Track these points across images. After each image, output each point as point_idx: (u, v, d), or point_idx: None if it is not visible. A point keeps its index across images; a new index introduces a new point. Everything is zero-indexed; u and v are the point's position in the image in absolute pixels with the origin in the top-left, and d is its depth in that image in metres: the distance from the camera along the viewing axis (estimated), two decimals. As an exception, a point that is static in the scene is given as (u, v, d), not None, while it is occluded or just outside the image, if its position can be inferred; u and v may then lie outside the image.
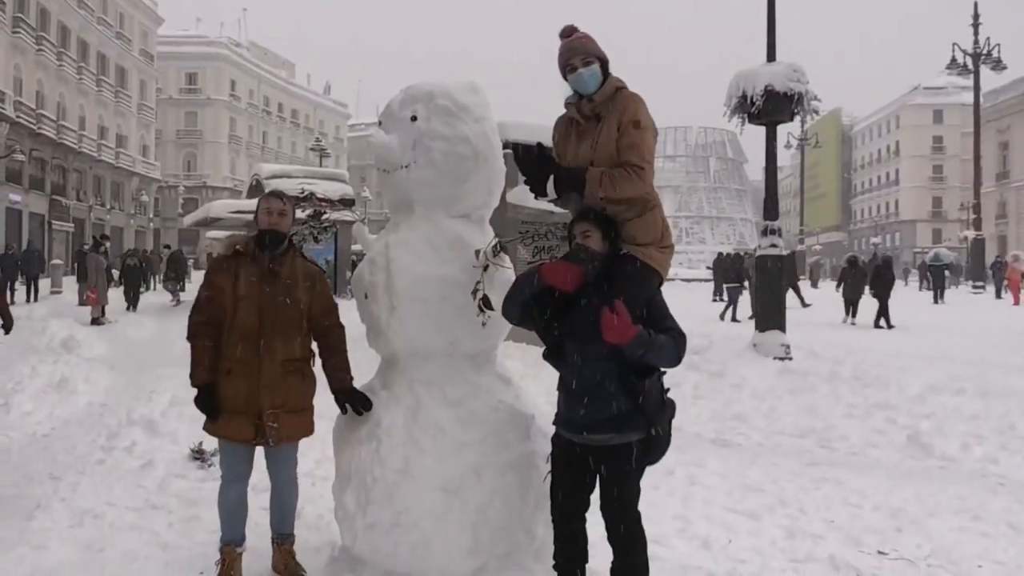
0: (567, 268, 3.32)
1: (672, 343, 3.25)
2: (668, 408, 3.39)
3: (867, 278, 18.64)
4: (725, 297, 20.40)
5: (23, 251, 23.97)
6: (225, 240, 4.20)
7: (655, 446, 3.34)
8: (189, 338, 3.90)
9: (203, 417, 3.89)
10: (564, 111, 3.74)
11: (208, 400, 3.81)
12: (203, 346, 3.83)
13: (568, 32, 3.62)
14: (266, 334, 3.79)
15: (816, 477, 6.18)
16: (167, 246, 28.08)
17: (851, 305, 18.32)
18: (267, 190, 20.97)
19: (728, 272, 20.68)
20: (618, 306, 3.08)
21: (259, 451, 4.00)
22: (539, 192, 3.61)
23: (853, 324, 17.19)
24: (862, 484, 5.96)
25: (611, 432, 3.28)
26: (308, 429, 4.00)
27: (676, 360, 3.29)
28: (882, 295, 17.25)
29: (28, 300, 21.41)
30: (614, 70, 3.61)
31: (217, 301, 3.84)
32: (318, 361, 4.05)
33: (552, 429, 3.56)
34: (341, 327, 4.04)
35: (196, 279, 36.16)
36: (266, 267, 3.85)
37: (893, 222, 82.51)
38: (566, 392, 3.40)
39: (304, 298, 3.90)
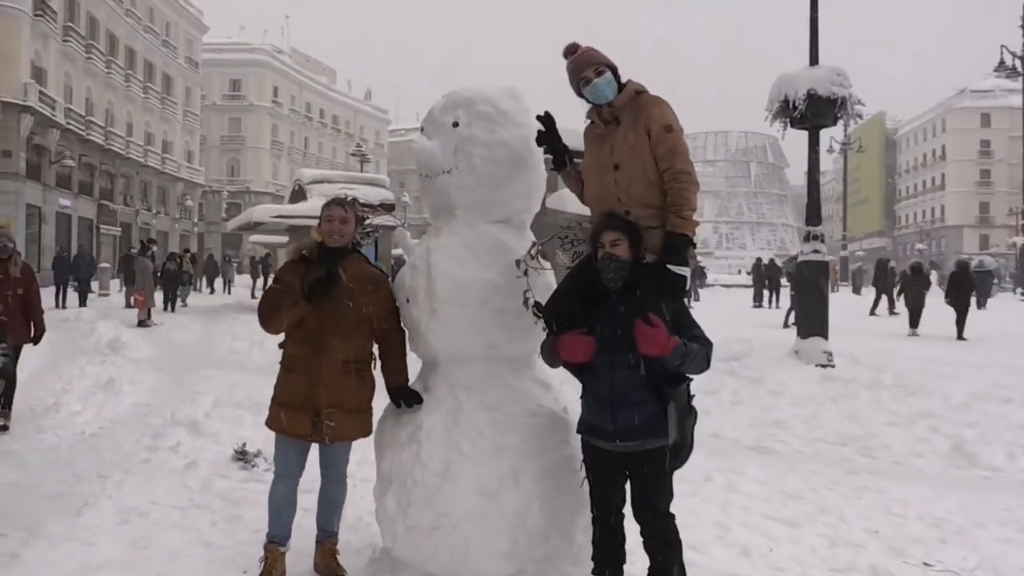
0: (581, 343, 3.32)
1: (703, 351, 3.29)
2: (693, 414, 3.40)
3: (928, 286, 17.89)
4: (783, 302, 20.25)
5: (74, 256, 24.31)
6: (294, 245, 4.29)
7: (681, 451, 3.34)
8: (263, 308, 3.94)
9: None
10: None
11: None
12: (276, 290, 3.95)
13: (572, 49, 3.70)
14: (326, 334, 3.87)
15: (858, 485, 6.09)
16: (187, 250, 27.98)
17: (915, 315, 17.23)
18: (309, 195, 21.19)
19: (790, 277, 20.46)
20: (653, 319, 3.10)
21: (312, 454, 4.06)
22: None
23: (916, 335, 16.37)
24: (905, 493, 5.87)
25: (642, 439, 3.30)
26: (364, 430, 4.04)
27: (706, 367, 3.33)
28: (962, 304, 16.27)
29: (80, 304, 21.79)
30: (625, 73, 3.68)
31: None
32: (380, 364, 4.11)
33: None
34: (402, 331, 4.10)
35: (239, 282, 36.74)
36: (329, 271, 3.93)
37: (939, 227, 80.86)
38: (596, 401, 3.41)
39: (366, 301, 3.96)
